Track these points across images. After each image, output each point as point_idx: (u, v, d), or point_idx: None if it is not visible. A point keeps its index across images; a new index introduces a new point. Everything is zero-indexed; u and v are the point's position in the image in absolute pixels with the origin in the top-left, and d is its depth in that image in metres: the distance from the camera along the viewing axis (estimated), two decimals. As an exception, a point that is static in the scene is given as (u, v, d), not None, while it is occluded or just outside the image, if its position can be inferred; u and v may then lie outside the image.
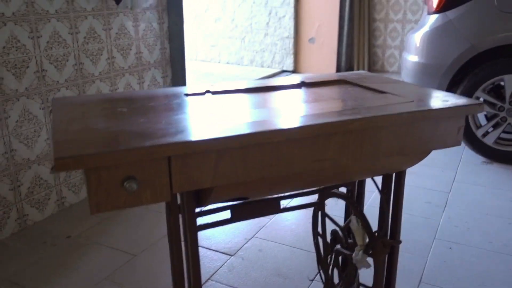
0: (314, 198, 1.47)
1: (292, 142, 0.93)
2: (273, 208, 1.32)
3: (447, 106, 1.05)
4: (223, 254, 2.13)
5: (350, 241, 1.42)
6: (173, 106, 1.07)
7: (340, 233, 1.44)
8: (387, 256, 1.31)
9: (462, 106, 1.05)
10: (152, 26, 2.94)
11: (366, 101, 1.10)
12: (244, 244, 2.21)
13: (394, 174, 1.26)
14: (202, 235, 2.32)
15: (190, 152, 0.84)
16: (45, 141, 2.41)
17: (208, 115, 0.99)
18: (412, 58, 3.43)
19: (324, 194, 1.40)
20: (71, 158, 0.76)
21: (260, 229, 2.35)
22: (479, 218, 2.43)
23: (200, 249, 2.18)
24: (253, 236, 2.29)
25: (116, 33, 2.69)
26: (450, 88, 3.26)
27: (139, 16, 2.83)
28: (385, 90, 1.21)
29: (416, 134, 1.05)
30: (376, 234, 1.28)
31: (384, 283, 1.32)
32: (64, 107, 1.06)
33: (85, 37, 2.50)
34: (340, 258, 1.47)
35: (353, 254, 1.30)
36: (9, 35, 2.13)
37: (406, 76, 3.65)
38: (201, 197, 1.02)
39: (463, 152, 3.39)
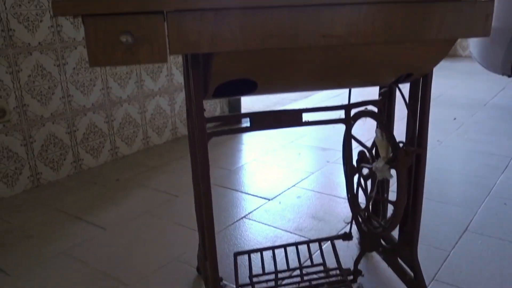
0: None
1: (296, 11, 0.90)
2: (294, 119, 1.30)
3: (470, -16, 0.97)
4: (261, 198, 2.13)
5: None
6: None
7: (368, 154, 1.39)
8: (414, 170, 1.24)
9: (488, -16, 0.97)
10: None
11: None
12: (284, 191, 2.19)
13: (421, 80, 1.18)
14: (241, 182, 2.33)
15: (186, 8, 0.85)
16: (100, 91, 2.54)
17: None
18: (478, 22, 3.21)
19: (350, 110, 1.35)
20: (67, 2, 0.79)
21: (302, 180, 2.32)
22: (543, 180, 2.22)
23: (238, 193, 2.19)
24: (293, 185, 2.26)
25: None
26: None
27: None
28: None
29: (435, 18, 0.97)
30: (401, 145, 1.21)
31: (410, 198, 1.25)
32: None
33: None
34: (367, 181, 1.41)
35: (374, 163, 1.24)
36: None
37: (472, 47, 3.44)
38: (206, 82, 1.02)
39: (534, 123, 3.13)
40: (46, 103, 2.30)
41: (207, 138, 1.20)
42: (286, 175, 2.40)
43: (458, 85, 4.45)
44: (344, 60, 1.02)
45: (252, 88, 1.06)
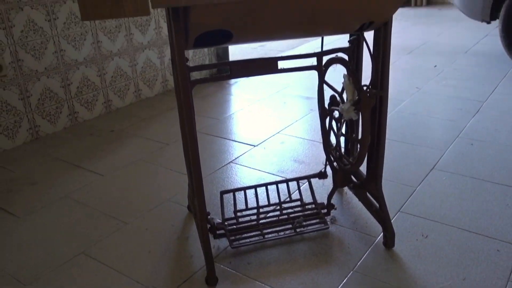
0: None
1: (261, -33, 1.01)
2: (270, 67, 1.42)
3: None
4: (247, 145, 2.28)
5: (348, 106, 1.49)
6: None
7: (338, 97, 1.52)
8: (377, 111, 1.38)
9: None
10: None
11: None
12: (268, 138, 2.34)
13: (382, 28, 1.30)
14: (229, 130, 2.47)
15: (164, -34, 0.96)
16: (91, 45, 2.63)
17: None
18: (459, -29, 3.27)
19: (322, 57, 1.47)
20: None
21: (286, 127, 2.46)
22: None
23: (226, 141, 2.34)
24: (278, 132, 2.40)
25: None
26: (495, 7, 3.12)
27: None
28: None
29: (390, -30, 1.08)
30: (365, 88, 1.34)
31: (375, 136, 1.39)
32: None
33: None
34: (338, 124, 1.55)
35: (341, 105, 1.38)
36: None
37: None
38: (187, 29, 1.13)
39: (510, 70, 3.25)
40: (40, 58, 2.40)
41: (191, 86, 1.33)
42: (272, 123, 2.54)
43: (443, 33, 4.53)
44: (309, 10, 1.14)
45: (228, 38, 1.18)
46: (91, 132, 2.54)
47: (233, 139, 2.35)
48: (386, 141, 1.43)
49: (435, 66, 3.42)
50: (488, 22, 3.27)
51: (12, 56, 2.28)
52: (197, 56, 3.34)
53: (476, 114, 2.51)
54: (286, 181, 1.73)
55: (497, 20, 3.24)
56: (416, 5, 6.23)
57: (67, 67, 2.54)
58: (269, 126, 2.50)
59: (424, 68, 3.39)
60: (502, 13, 3.10)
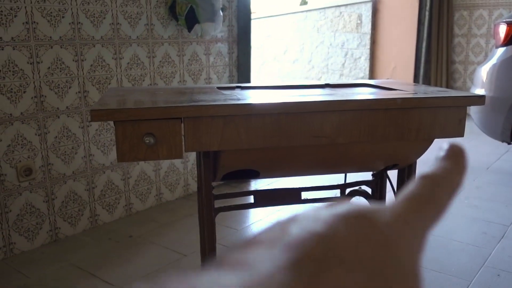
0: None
1: (291, 116, 1.07)
2: (293, 197, 1.44)
3: (442, 96, 1.12)
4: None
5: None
6: (203, 91, 1.26)
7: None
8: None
9: (459, 96, 1.13)
10: (222, 55, 3.23)
11: (372, 95, 1.21)
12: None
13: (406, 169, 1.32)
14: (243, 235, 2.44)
15: (200, 115, 1.02)
16: (119, 150, 2.72)
17: (226, 97, 1.17)
18: (479, 92, 3.38)
19: (345, 189, 1.49)
20: (103, 110, 0.97)
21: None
22: (538, 251, 2.30)
23: (244, 254, 2.30)
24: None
25: (189, 59, 3.00)
26: (518, 122, 3.16)
27: (210, 46, 3.14)
28: (398, 88, 1.31)
29: (414, 121, 1.13)
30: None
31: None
32: (113, 90, 1.29)
33: (160, 61, 2.84)
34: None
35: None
36: (96, 55, 2.50)
37: (473, 112, 3.59)
38: (215, 168, 1.17)
39: (534, 190, 3.21)
40: (69, 162, 2.48)
41: (214, 214, 1.34)
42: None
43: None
44: (335, 155, 1.17)
45: (255, 176, 1.22)
46: (110, 237, 2.54)
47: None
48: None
49: (456, 182, 3.40)
50: (509, 143, 3.31)
51: (43, 160, 2.37)
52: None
53: (502, 239, 2.45)
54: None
55: (518, 141, 3.28)
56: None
57: (94, 171, 2.62)
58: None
59: (445, 184, 3.38)
60: (522, 135, 3.14)
